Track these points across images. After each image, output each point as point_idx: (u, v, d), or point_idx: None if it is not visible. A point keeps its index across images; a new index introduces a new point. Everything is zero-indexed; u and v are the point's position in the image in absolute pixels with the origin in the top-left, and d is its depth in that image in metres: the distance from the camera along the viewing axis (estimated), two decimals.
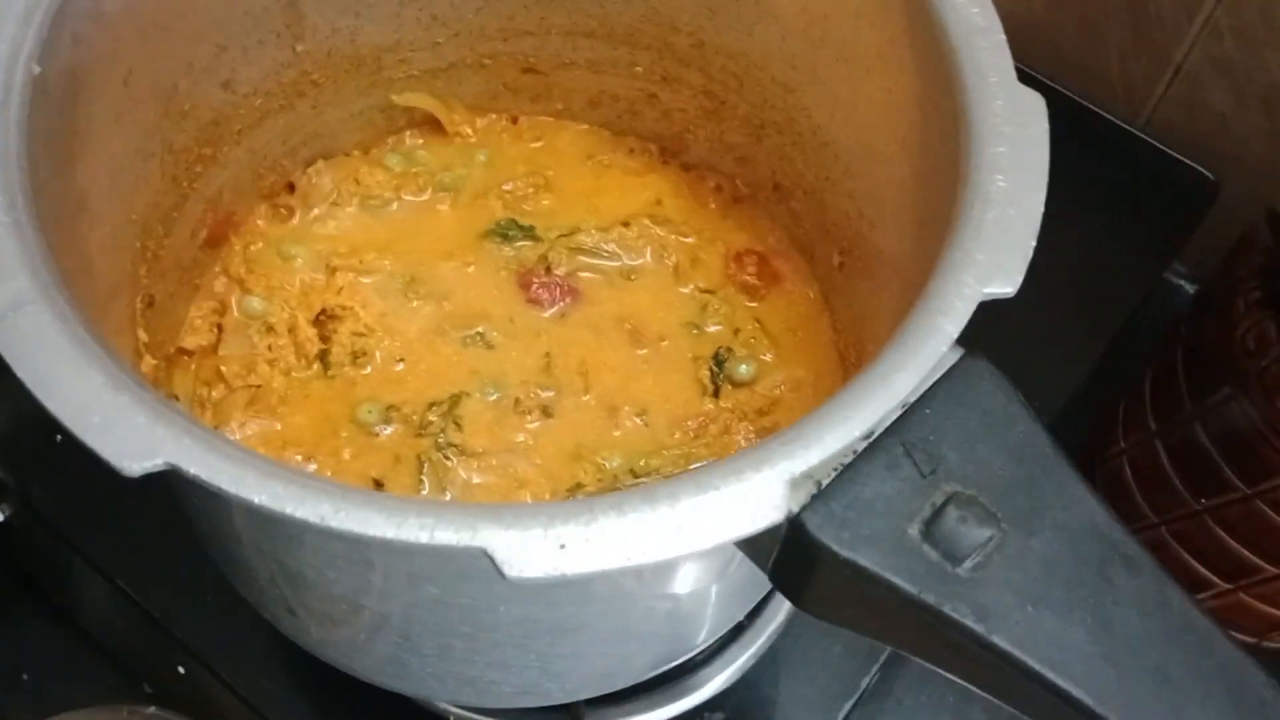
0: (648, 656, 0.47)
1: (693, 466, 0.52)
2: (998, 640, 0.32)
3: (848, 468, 0.34)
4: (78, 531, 0.62)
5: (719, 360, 0.55)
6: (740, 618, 0.51)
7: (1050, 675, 0.32)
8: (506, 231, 0.58)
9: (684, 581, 0.41)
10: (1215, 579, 0.67)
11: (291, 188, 0.58)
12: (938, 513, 0.34)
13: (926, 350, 0.34)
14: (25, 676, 0.67)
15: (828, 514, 0.33)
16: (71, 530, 0.62)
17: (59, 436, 0.62)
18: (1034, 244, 0.36)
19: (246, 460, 0.31)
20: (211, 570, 0.51)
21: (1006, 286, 0.36)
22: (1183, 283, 0.80)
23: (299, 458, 0.51)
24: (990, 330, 0.70)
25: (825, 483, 0.34)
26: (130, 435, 0.31)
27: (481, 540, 0.30)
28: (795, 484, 0.33)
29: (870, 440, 0.35)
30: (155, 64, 0.46)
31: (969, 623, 0.32)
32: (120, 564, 0.61)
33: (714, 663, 0.59)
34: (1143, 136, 0.77)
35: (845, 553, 0.33)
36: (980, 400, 0.35)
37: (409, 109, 0.60)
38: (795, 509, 0.33)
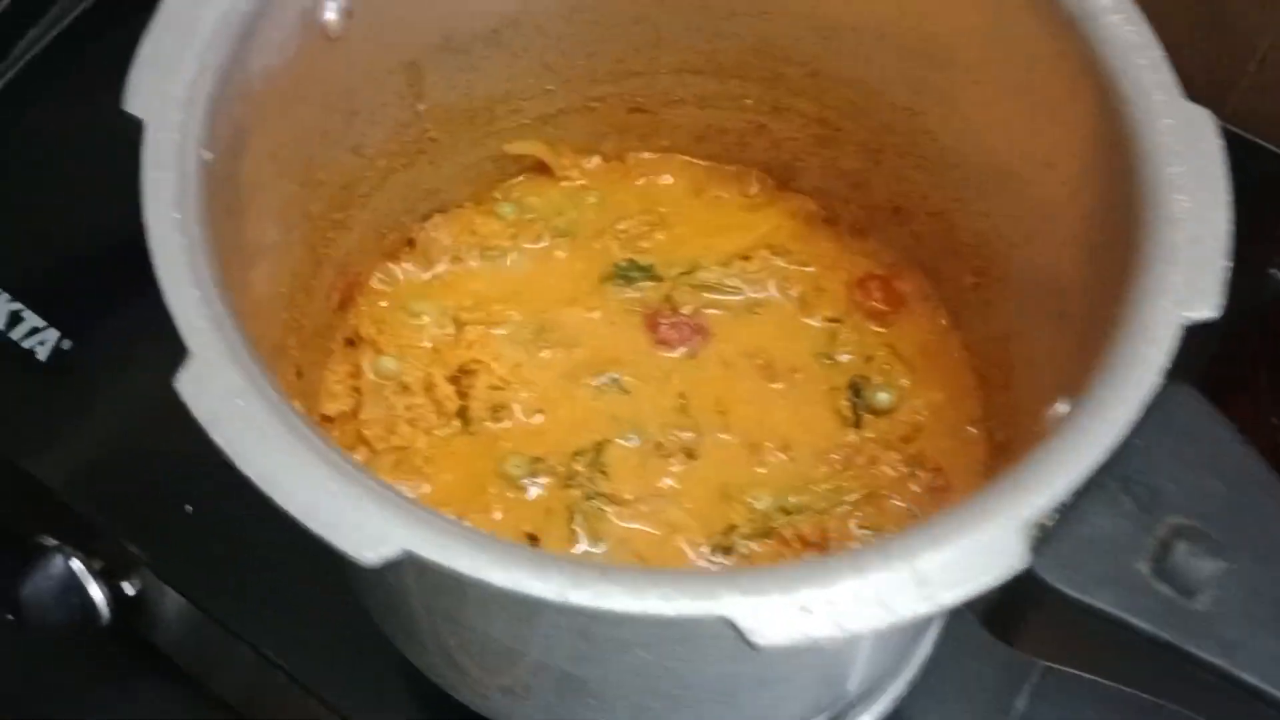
0: (829, 698, 0.47)
1: (845, 498, 0.52)
2: (1246, 676, 0.32)
3: (1068, 509, 0.34)
4: (214, 601, 0.62)
5: (856, 389, 0.55)
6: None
7: None
8: (627, 273, 0.58)
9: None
10: None
11: (411, 244, 0.57)
12: (1165, 547, 0.33)
13: (1139, 381, 0.34)
14: None
15: (1056, 558, 0.33)
16: (208, 600, 0.62)
17: (188, 507, 0.63)
18: (1225, 264, 0.36)
19: (478, 541, 0.31)
20: (358, 629, 0.51)
21: (1206, 310, 0.35)
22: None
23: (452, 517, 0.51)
24: None
25: (1048, 525, 0.33)
26: (364, 525, 0.31)
27: (724, 609, 0.30)
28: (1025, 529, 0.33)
29: (1088, 479, 0.34)
30: (295, 136, 0.46)
31: (1214, 659, 0.32)
32: (261, 631, 0.61)
33: (868, 697, 0.58)
34: (1233, 129, 0.76)
35: (1078, 595, 0.33)
36: (1189, 429, 0.35)
37: (518, 156, 0.59)
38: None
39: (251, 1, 0.39)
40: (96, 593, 0.65)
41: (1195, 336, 0.71)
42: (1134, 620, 0.32)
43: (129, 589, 0.65)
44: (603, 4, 0.53)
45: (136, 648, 0.68)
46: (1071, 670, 0.37)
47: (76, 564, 0.64)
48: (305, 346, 0.50)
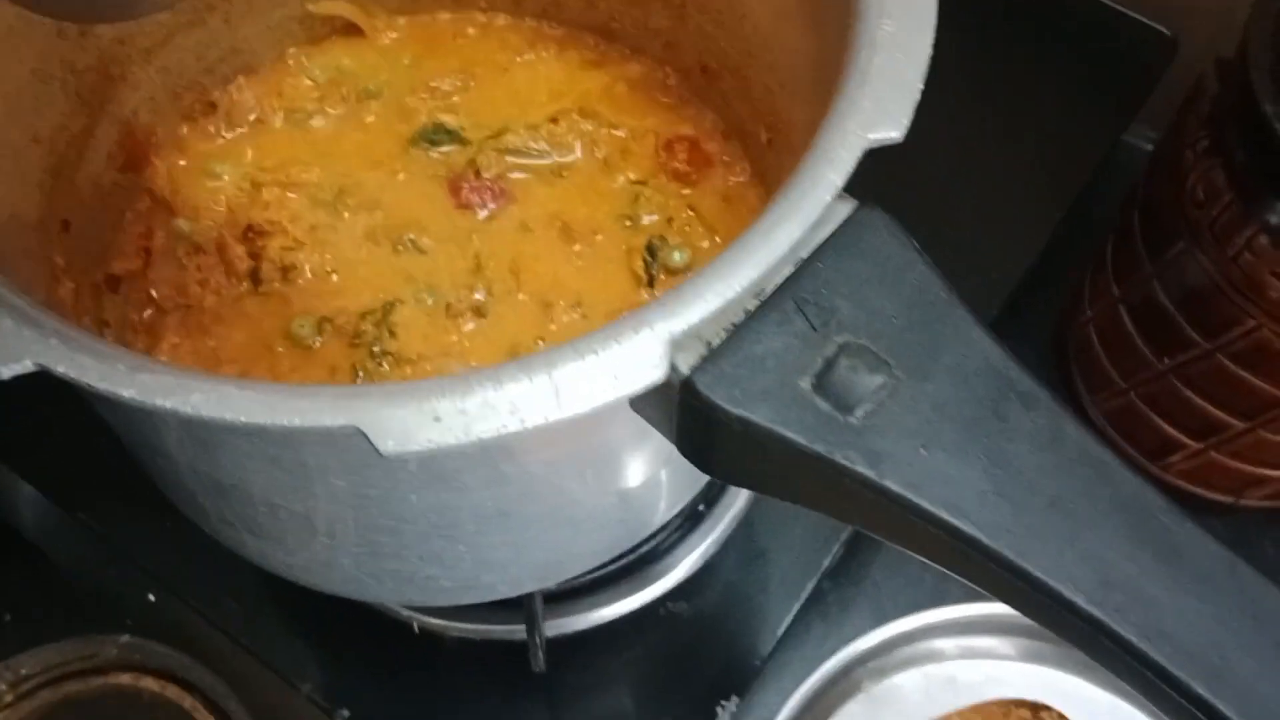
0: (588, 543, 0.47)
1: None
2: (890, 484, 0.32)
3: (739, 327, 0.34)
4: (38, 470, 0.63)
5: (652, 249, 0.54)
6: (684, 502, 0.51)
7: (943, 514, 0.31)
8: (433, 137, 0.57)
9: (592, 458, 0.41)
10: (1186, 439, 0.67)
11: (213, 106, 0.57)
12: (829, 364, 0.33)
13: (810, 201, 0.34)
14: (7, 617, 0.67)
15: (718, 373, 0.33)
16: (32, 468, 0.63)
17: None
18: (921, 87, 0.35)
19: (116, 356, 0.31)
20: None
21: (892, 131, 0.35)
22: (1148, 146, 0.78)
23: (234, 374, 0.51)
24: (948, 199, 0.69)
25: (716, 343, 0.33)
26: None
27: (355, 419, 0.30)
28: (681, 345, 0.33)
29: (762, 299, 0.34)
30: None
31: (860, 469, 0.32)
32: (81, 499, 0.62)
33: (674, 552, 0.59)
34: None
35: (736, 410, 0.33)
36: (873, 251, 0.35)
37: (329, 18, 0.59)
38: (685, 370, 0.33)
39: None
40: None
41: (1045, 201, 0.71)
42: (787, 433, 0.32)
43: None
44: None
45: None
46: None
47: None
48: (80, 202, 0.50)
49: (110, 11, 0.39)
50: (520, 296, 0.54)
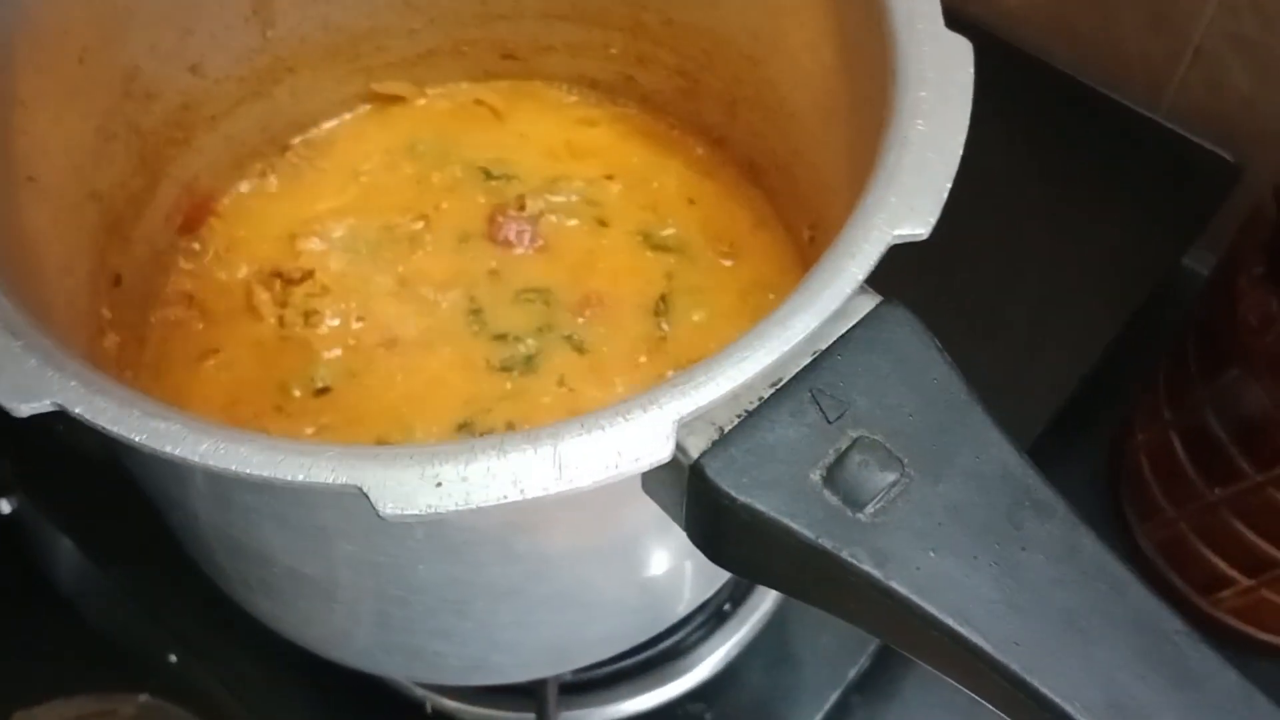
0: (602, 630, 0.46)
1: None
2: (895, 586, 0.31)
3: (752, 414, 0.33)
4: (76, 523, 0.64)
5: (664, 299, 0.54)
6: (704, 596, 0.50)
7: (949, 621, 0.30)
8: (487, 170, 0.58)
9: (609, 542, 0.40)
10: (1237, 575, 0.64)
11: (271, 167, 0.58)
12: (841, 458, 0.33)
13: (829, 293, 0.33)
14: (34, 667, 0.68)
15: (727, 459, 0.33)
16: (70, 522, 0.64)
17: (60, 426, 0.64)
18: (949, 185, 0.35)
19: (132, 401, 0.31)
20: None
21: (918, 229, 0.35)
22: (1208, 271, 0.77)
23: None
24: (1000, 310, 0.69)
25: (728, 429, 0.33)
26: (19, 378, 0.32)
27: (357, 478, 0.30)
28: (691, 428, 0.32)
29: (777, 387, 0.34)
30: (113, 44, 0.46)
31: (866, 568, 0.31)
32: (114, 554, 0.63)
33: (696, 650, 0.58)
34: (1160, 121, 0.75)
35: (743, 497, 0.32)
36: (894, 347, 0.34)
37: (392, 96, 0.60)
38: (694, 454, 0.33)
39: None
40: None
41: (1101, 320, 0.70)
42: (793, 525, 0.32)
43: (5, 507, 0.66)
44: None
45: (15, 567, 0.70)
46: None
47: None
48: (133, 257, 0.51)
49: None
50: None
